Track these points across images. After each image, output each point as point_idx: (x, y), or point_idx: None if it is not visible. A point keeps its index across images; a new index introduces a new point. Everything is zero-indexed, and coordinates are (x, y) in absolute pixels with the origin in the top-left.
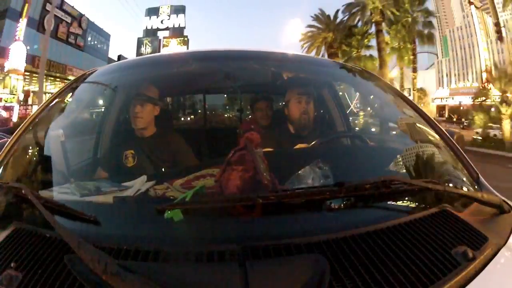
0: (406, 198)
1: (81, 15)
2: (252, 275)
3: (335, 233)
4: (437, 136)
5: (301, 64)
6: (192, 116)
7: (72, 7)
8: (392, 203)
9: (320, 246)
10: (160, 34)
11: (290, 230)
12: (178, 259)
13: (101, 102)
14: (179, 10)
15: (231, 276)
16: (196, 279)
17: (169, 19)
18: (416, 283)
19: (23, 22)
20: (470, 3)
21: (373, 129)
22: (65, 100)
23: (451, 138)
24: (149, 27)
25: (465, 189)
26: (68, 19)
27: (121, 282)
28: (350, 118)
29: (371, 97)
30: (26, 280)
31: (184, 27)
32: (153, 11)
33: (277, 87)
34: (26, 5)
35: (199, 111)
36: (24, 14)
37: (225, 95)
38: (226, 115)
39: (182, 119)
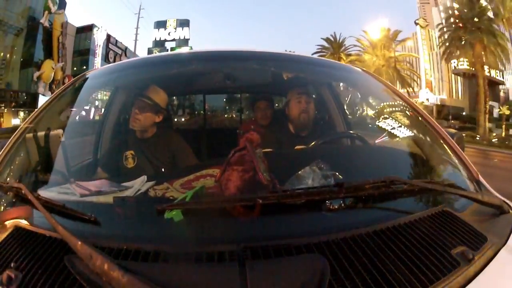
0: (406, 198)
1: (126, 47)
2: (251, 276)
3: (335, 233)
4: (437, 136)
5: (301, 64)
6: (193, 117)
7: (121, 43)
8: (392, 203)
9: (320, 246)
10: (168, 45)
11: (290, 230)
12: (178, 259)
13: (101, 102)
14: (184, 23)
15: (231, 277)
16: (196, 279)
17: (175, 31)
18: (416, 283)
19: (98, 58)
20: (416, 23)
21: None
22: (65, 101)
23: (451, 138)
24: (157, 39)
25: (465, 189)
26: (120, 52)
27: (121, 282)
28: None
29: (371, 97)
30: (26, 280)
31: (189, 39)
32: (161, 24)
33: (277, 87)
34: (99, 46)
35: (200, 111)
36: (99, 52)
37: (225, 96)
38: (226, 116)
39: (183, 119)
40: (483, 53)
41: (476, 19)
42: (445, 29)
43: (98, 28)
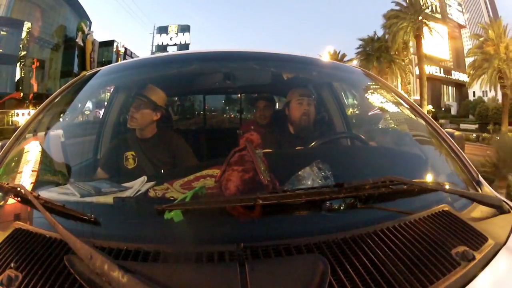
0: (406, 198)
1: (138, 57)
2: (251, 276)
3: (335, 234)
4: (437, 136)
5: (301, 64)
6: (193, 117)
7: (135, 53)
8: (392, 203)
9: (320, 247)
10: (169, 49)
11: (290, 230)
12: (178, 259)
13: (101, 102)
14: (185, 29)
15: (231, 277)
16: (196, 279)
17: (176, 36)
18: (416, 283)
19: None
20: None
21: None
22: (66, 101)
23: (451, 139)
24: (160, 43)
25: (465, 189)
26: None
27: (121, 283)
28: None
29: (371, 97)
30: (26, 280)
31: (189, 44)
32: (163, 30)
33: (277, 87)
34: (119, 58)
35: (199, 111)
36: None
37: (225, 96)
38: (226, 116)
39: (182, 119)
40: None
41: (370, 52)
42: (357, 58)
43: (118, 43)
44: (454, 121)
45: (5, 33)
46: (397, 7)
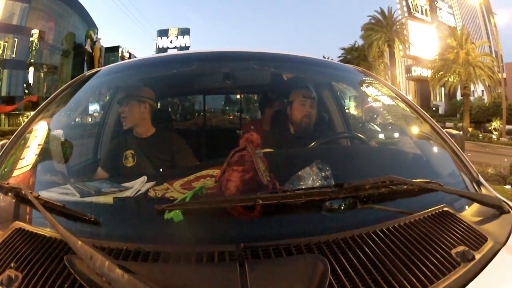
0: (406, 198)
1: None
2: (251, 276)
3: (335, 234)
4: (437, 137)
5: (301, 64)
6: (193, 117)
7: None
8: (392, 203)
9: (320, 247)
10: (170, 52)
11: (290, 230)
12: (178, 259)
13: (101, 102)
14: (184, 32)
15: (231, 277)
16: (196, 279)
17: (176, 39)
18: (416, 283)
19: None
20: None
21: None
22: (66, 101)
23: (451, 139)
24: (160, 46)
25: (465, 189)
26: None
27: (121, 282)
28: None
29: (371, 97)
30: (26, 280)
31: (189, 46)
32: (163, 33)
33: (277, 88)
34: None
35: (200, 112)
36: None
37: (225, 96)
38: (226, 116)
39: (182, 119)
40: None
41: (351, 60)
42: None
43: (122, 48)
44: (441, 120)
45: (20, 41)
46: (373, 21)
